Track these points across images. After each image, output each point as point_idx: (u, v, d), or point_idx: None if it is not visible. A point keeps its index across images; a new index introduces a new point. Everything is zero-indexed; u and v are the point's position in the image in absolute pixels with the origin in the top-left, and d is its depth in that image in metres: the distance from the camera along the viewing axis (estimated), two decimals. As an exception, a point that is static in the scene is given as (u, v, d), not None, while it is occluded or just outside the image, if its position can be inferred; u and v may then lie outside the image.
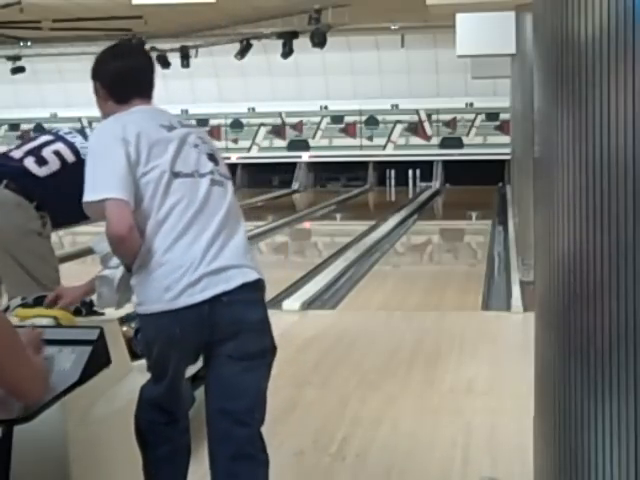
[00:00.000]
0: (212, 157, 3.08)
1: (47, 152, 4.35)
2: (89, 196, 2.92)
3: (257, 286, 2.96)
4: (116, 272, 3.13)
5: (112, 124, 3.06)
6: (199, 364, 3.21)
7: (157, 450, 3.12)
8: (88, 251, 12.60)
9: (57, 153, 4.35)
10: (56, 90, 24.26)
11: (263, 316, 2.99)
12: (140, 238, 2.90)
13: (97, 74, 3.20)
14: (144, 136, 2.96)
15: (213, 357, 2.97)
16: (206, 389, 3.04)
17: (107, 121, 3.11)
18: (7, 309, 3.43)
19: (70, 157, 4.33)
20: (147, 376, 3.76)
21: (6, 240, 4.19)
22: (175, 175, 2.96)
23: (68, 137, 4.46)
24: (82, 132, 4.57)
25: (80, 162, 4.22)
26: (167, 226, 2.91)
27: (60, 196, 4.18)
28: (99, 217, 2.94)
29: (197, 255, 2.88)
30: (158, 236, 2.90)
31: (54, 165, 4.31)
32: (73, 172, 4.17)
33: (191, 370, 3.55)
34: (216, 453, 3.00)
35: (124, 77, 3.14)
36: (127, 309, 5.03)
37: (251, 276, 2.94)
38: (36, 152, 4.36)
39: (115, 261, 3.11)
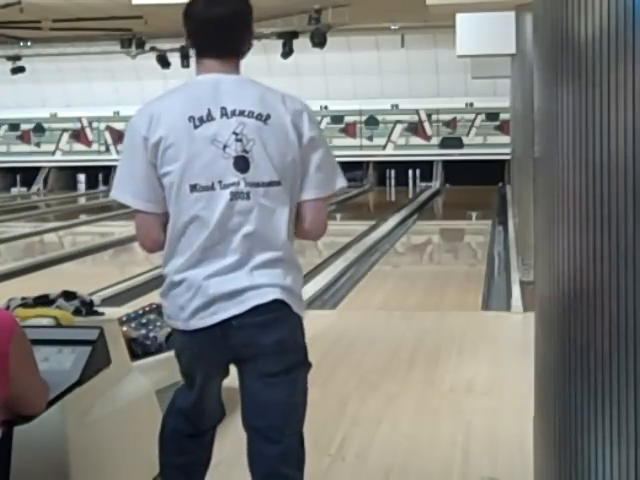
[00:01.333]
0: (243, 161, 2.70)
1: None
2: (115, 194, 2.78)
3: (272, 307, 2.70)
4: None
5: (141, 116, 2.75)
6: None
7: (173, 458, 2.97)
8: (88, 251, 12.63)
9: None
10: (56, 90, 24.26)
11: (279, 337, 2.73)
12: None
13: (184, 19, 2.83)
14: (165, 134, 2.68)
15: (240, 372, 2.83)
16: (241, 407, 2.88)
17: (140, 110, 2.79)
18: (7, 308, 3.43)
19: None
20: (147, 376, 3.76)
21: None
22: (191, 188, 2.68)
23: None
24: None
25: None
26: (182, 245, 2.72)
27: None
28: None
29: (210, 276, 2.68)
30: (175, 253, 2.74)
31: None
32: None
33: None
34: (251, 471, 2.86)
35: (200, 28, 2.78)
36: (127, 309, 5.02)
37: (267, 297, 2.69)
38: None
39: None
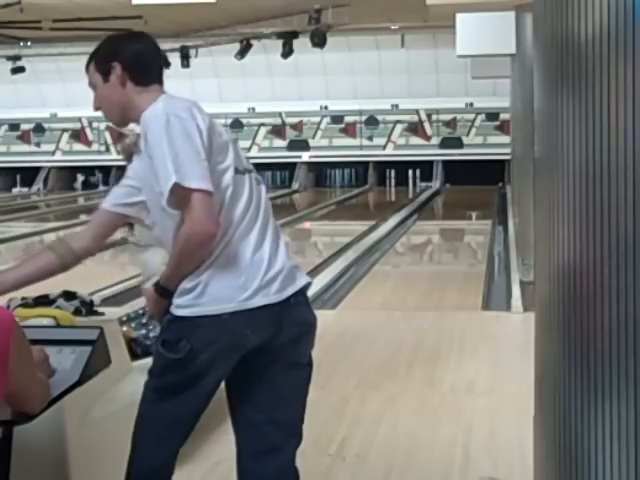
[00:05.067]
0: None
1: None
2: (179, 178, 2.60)
3: (307, 288, 2.90)
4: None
5: (184, 106, 2.74)
6: None
7: None
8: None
9: None
10: (56, 90, 24.27)
11: (315, 318, 2.96)
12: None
13: (116, 54, 2.85)
14: (211, 123, 2.74)
15: (264, 365, 2.79)
16: (245, 399, 2.81)
17: (176, 104, 2.76)
18: (7, 308, 3.43)
19: None
20: (147, 376, 3.74)
21: None
22: (236, 171, 2.78)
23: None
24: None
25: None
26: (239, 225, 2.73)
27: None
28: (177, 206, 2.65)
29: (266, 255, 2.75)
30: (228, 233, 2.71)
31: None
32: None
33: None
34: (259, 469, 2.79)
35: (146, 58, 2.91)
36: (127, 309, 5.02)
37: (306, 278, 2.88)
38: None
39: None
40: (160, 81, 2.96)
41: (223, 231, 2.69)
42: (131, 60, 2.88)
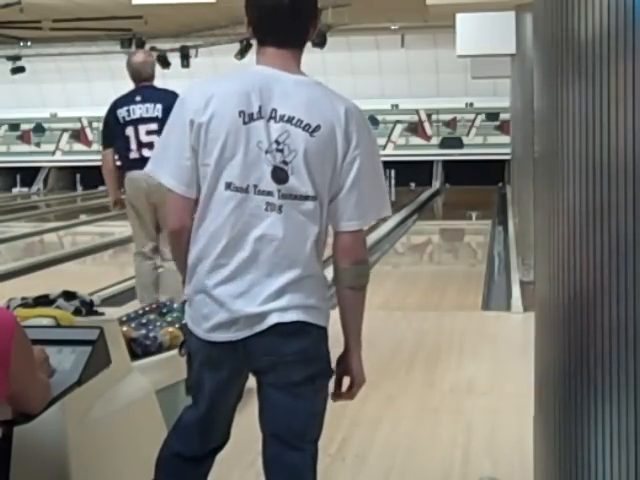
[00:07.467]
0: (281, 172, 2.54)
1: None
2: (152, 166, 2.68)
3: (295, 323, 2.61)
4: None
5: (194, 96, 2.61)
6: None
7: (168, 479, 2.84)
8: (88, 251, 12.62)
9: None
10: (56, 90, 24.27)
11: (301, 347, 2.62)
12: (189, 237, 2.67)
13: (246, 4, 2.72)
14: (212, 123, 2.55)
15: (259, 383, 2.73)
16: (259, 414, 2.79)
17: (193, 89, 2.66)
18: (7, 308, 3.43)
19: None
20: (147, 376, 3.76)
21: None
22: (226, 186, 2.57)
23: None
24: None
25: None
26: (209, 248, 2.61)
27: None
28: None
29: (237, 296, 2.59)
30: (202, 255, 2.63)
31: None
32: None
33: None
34: (267, 477, 2.77)
35: (262, 16, 2.67)
36: (127, 309, 5.02)
37: (289, 317, 2.59)
38: None
39: None
40: (277, 40, 2.65)
41: (198, 251, 2.63)
42: (251, 16, 2.71)
